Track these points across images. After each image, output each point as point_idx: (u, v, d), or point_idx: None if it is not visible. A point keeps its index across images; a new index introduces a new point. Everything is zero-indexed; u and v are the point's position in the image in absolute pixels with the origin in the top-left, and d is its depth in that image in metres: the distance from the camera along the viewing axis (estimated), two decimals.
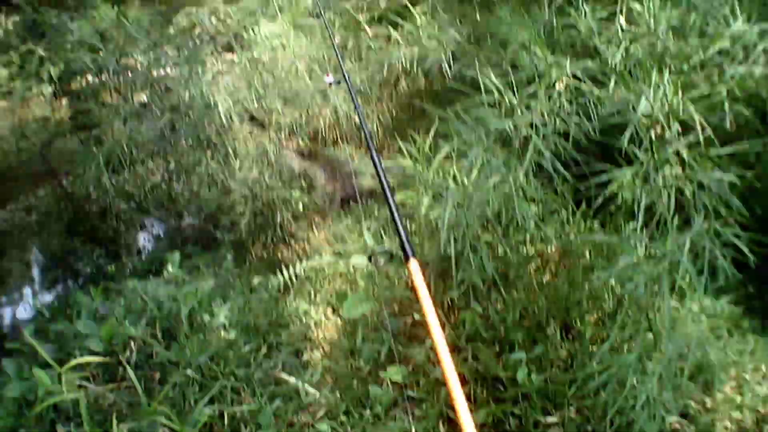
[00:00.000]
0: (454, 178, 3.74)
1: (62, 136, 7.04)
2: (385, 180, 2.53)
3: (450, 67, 4.40)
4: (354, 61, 5.63)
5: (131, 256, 7.02)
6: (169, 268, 4.66)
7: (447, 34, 4.51)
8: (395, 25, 5.20)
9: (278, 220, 5.39)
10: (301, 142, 6.63)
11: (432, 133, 4.24)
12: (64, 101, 6.81)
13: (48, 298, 6.58)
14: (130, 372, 3.20)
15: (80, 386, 3.06)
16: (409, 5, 5.08)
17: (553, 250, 3.96)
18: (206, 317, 3.80)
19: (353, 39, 5.86)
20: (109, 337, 3.59)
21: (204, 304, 3.94)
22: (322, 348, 4.17)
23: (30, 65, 5.21)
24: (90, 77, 6.17)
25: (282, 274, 4.76)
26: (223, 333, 3.79)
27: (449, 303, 3.90)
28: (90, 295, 5.53)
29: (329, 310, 4.61)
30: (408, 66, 4.75)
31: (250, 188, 5.29)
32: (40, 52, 4.83)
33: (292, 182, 5.88)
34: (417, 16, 4.95)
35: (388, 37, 5.34)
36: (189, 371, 3.42)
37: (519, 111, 3.33)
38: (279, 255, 5.58)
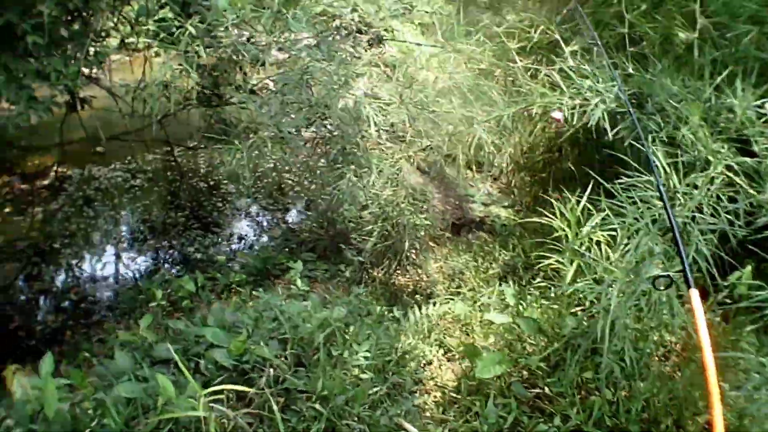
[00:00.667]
0: (608, 259, 3.64)
1: (185, 108, 6.89)
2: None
3: (608, 126, 4.08)
4: (501, 92, 5.30)
5: (231, 241, 6.87)
6: (298, 282, 4.45)
7: (608, 88, 4.16)
8: (547, 60, 4.90)
9: (405, 245, 5.12)
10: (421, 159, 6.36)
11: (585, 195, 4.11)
12: (194, 75, 6.64)
13: (140, 266, 6.44)
14: (273, 404, 3.00)
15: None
16: (561, 41, 4.76)
17: (679, 342, 3.73)
18: (345, 352, 3.56)
19: (502, 68, 5.54)
20: (239, 352, 3.40)
21: (338, 335, 3.72)
22: (435, 395, 3.89)
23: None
24: (222, 53, 5.99)
25: (409, 310, 4.51)
26: (357, 371, 3.56)
27: (581, 381, 3.64)
28: (195, 282, 5.44)
29: (441, 352, 4.34)
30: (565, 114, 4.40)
31: (383, 208, 5.04)
32: (191, 28, 4.61)
33: (415, 201, 5.61)
34: (569, 56, 4.62)
35: (536, 72, 5.03)
36: (318, 405, 3.19)
37: (680, 198, 3.35)
38: (396, 282, 5.32)
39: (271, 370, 3.30)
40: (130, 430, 2.79)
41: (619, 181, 3.44)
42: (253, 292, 4.76)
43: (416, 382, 3.90)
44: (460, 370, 4.04)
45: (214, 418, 2.81)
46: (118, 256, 6.56)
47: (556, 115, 4.30)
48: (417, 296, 5.22)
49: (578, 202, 4.45)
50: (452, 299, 5.05)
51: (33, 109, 4.19)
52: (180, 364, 2.85)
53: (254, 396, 3.16)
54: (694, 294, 2.06)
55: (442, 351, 4.30)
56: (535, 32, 4.82)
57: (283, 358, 3.44)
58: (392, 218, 5.05)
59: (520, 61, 5.12)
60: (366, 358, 3.56)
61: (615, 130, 4.01)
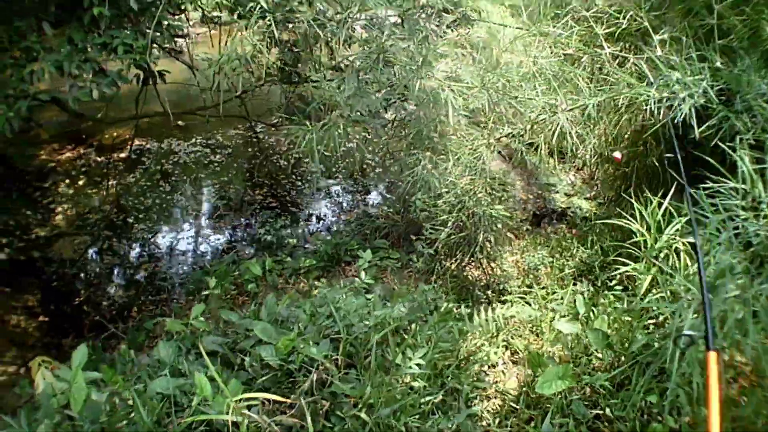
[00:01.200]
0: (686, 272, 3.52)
1: (265, 84, 6.77)
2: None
3: (695, 123, 3.72)
4: (587, 80, 4.93)
5: (308, 221, 6.74)
6: (362, 275, 4.26)
7: (696, 82, 3.78)
8: (634, 48, 4.51)
9: (480, 237, 4.86)
10: (503, 146, 6.06)
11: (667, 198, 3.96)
12: (275, 50, 6.52)
13: (213, 245, 6.40)
14: (308, 414, 2.79)
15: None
16: (650, 28, 4.36)
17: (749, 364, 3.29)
18: (398, 358, 3.34)
19: (589, 54, 5.15)
20: (287, 351, 3.22)
21: (396, 336, 3.51)
22: (495, 402, 3.65)
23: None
24: (301, 29, 5.80)
25: (478, 307, 4.26)
26: (409, 379, 3.34)
27: (644, 405, 3.34)
28: (263, 266, 5.33)
29: (507, 354, 4.09)
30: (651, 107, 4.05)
31: (459, 197, 4.78)
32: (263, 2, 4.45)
33: (493, 191, 5.32)
34: (657, 46, 4.23)
35: (623, 60, 4.65)
36: (363, 414, 2.98)
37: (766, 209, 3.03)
38: (469, 275, 5.07)
39: (317, 372, 3.12)
40: (162, 430, 2.63)
41: (704, 185, 3.14)
42: (317, 282, 4.60)
43: (476, 387, 3.65)
44: (524, 375, 3.78)
45: (248, 424, 2.65)
46: (192, 234, 6.56)
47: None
48: (489, 291, 4.96)
49: (660, 205, 4.13)
50: (524, 298, 4.79)
51: (96, 83, 4.12)
52: (207, 361, 2.71)
53: (295, 400, 2.99)
54: (712, 357, 2.08)
55: (508, 353, 4.06)
56: (623, 18, 4.43)
57: (333, 359, 3.25)
58: (469, 208, 4.78)
59: (608, 47, 4.75)
60: (420, 366, 3.31)
61: (701, 128, 3.66)
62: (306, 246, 5.94)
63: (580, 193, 7.11)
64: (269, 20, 4.38)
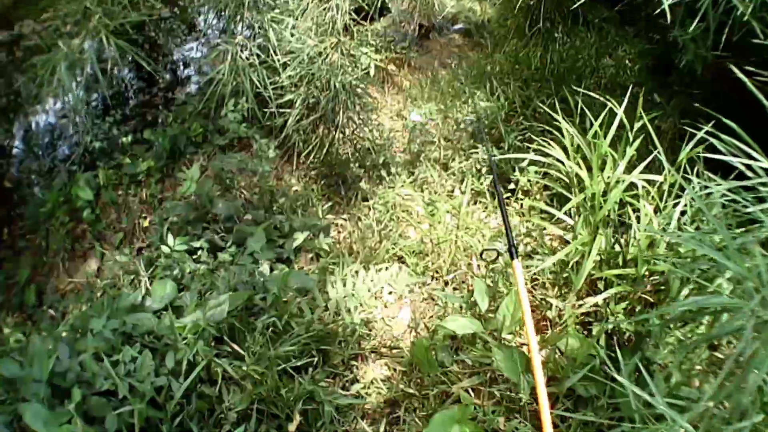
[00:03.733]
0: None
1: None
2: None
3: None
4: None
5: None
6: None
7: None
8: None
9: (339, 116, 3.78)
10: None
11: None
12: None
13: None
14: None
15: None
16: None
17: None
18: None
19: None
20: None
21: None
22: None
23: None
24: None
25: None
26: None
27: None
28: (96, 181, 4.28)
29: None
30: None
31: (307, 66, 3.66)
32: None
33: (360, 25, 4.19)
34: None
35: None
36: None
37: None
38: (338, 154, 4.06)
39: None
40: None
41: None
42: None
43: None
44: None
45: None
46: None
47: None
48: (365, 173, 4.04)
49: None
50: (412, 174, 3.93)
51: None
52: None
53: None
54: (517, 265, 2.21)
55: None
56: None
57: None
58: (320, 78, 3.67)
59: None
60: None
61: None
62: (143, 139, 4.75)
63: None
64: None
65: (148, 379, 2.29)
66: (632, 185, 2.78)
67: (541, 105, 4.26)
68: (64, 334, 2.56)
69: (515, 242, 2.37)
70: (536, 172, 3.56)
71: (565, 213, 2.94)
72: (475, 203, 3.73)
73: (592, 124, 3.13)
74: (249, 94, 3.25)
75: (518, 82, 4.55)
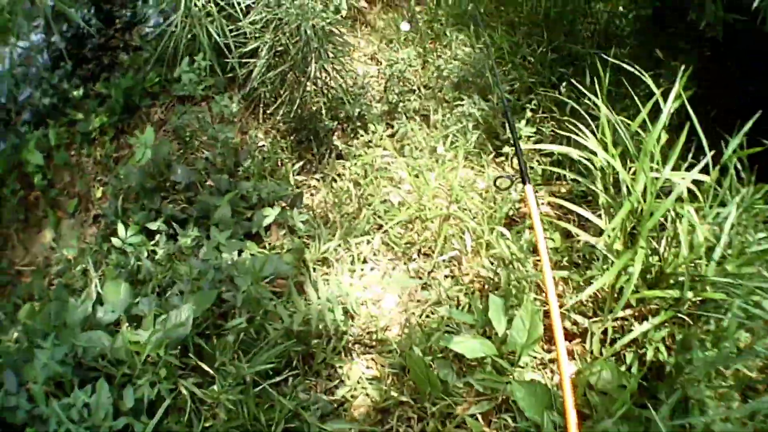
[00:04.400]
0: None
1: None
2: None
3: None
4: None
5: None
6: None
7: None
8: None
9: (311, 66, 3.39)
10: None
11: None
12: None
13: None
14: None
15: None
16: None
17: None
18: None
19: None
20: None
21: None
22: None
23: None
24: None
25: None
26: None
27: None
28: (47, 144, 3.93)
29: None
30: None
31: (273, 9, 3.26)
32: None
33: None
34: None
35: None
36: None
37: None
38: (308, 106, 3.67)
39: None
40: None
41: None
42: None
43: None
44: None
45: None
46: None
47: None
48: (338, 126, 3.68)
49: None
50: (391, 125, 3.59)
51: None
52: None
53: None
54: (529, 190, 2.15)
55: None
56: None
57: None
58: (289, 24, 3.26)
59: None
60: None
61: None
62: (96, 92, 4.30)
63: None
64: None
65: (106, 422, 2.00)
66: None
67: (531, 54, 3.92)
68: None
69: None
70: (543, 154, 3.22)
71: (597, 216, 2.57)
72: (463, 164, 3.38)
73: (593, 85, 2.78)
74: (207, 50, 2.87)
75: (505, 26, 4.14)
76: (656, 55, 3.70)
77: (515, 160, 3.22)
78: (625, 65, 2.91)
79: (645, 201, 2.35)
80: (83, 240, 3.75)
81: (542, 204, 3.11)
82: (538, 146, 3.24)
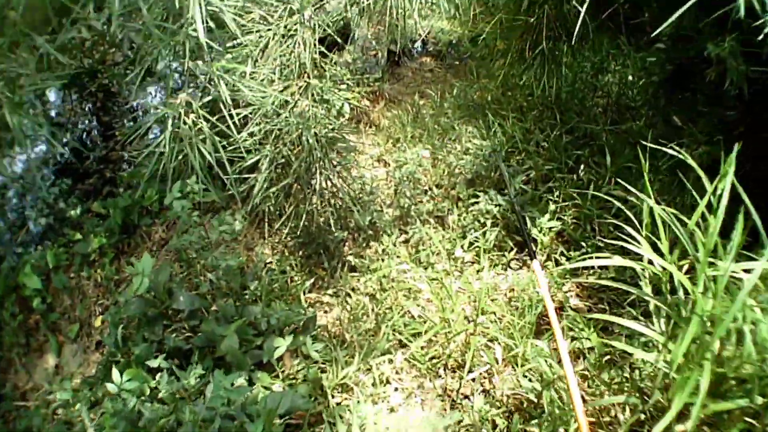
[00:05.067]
0: None
1: None
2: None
3: None
4: None
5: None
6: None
7: None
8: None
9: (316, 177, 3.21)
10: None
11: None
12: None
13: None
14: None
15: None
16: None
17: None
18: None
19: None
20: None
21: None
22: None
23: None
24: None
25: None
26: None
27: None
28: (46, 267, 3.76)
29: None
30: None
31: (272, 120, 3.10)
32: None
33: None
34: None
35: None
36: None
37: None
38: (316, 219, 3.49)
39: None
40: None
41: None
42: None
43: None
44: None
45: None
46: None
47: None
48: (347, 232, 3.48)
49: None
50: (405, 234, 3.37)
51: None
52: None
53: None
54: (536, 265, 2.28)
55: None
56: None
57: None
58: (290, 133, 3.10)
59: None
60: None
61: None
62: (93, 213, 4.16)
63: (436, 11, 5.37)
64: None
65: None
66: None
67: (544, 139, 3.75)
68: None
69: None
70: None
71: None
72: (478, 263, 3.16)
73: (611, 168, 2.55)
74: (199, 173, 2.68)
75: (514, 113, 3.99)
76: (674, 122, 3.53)
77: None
78: (644, 143, 2.60)
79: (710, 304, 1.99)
80: (87, 365, 3.55)
81: (570, 296, 2.88)
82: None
